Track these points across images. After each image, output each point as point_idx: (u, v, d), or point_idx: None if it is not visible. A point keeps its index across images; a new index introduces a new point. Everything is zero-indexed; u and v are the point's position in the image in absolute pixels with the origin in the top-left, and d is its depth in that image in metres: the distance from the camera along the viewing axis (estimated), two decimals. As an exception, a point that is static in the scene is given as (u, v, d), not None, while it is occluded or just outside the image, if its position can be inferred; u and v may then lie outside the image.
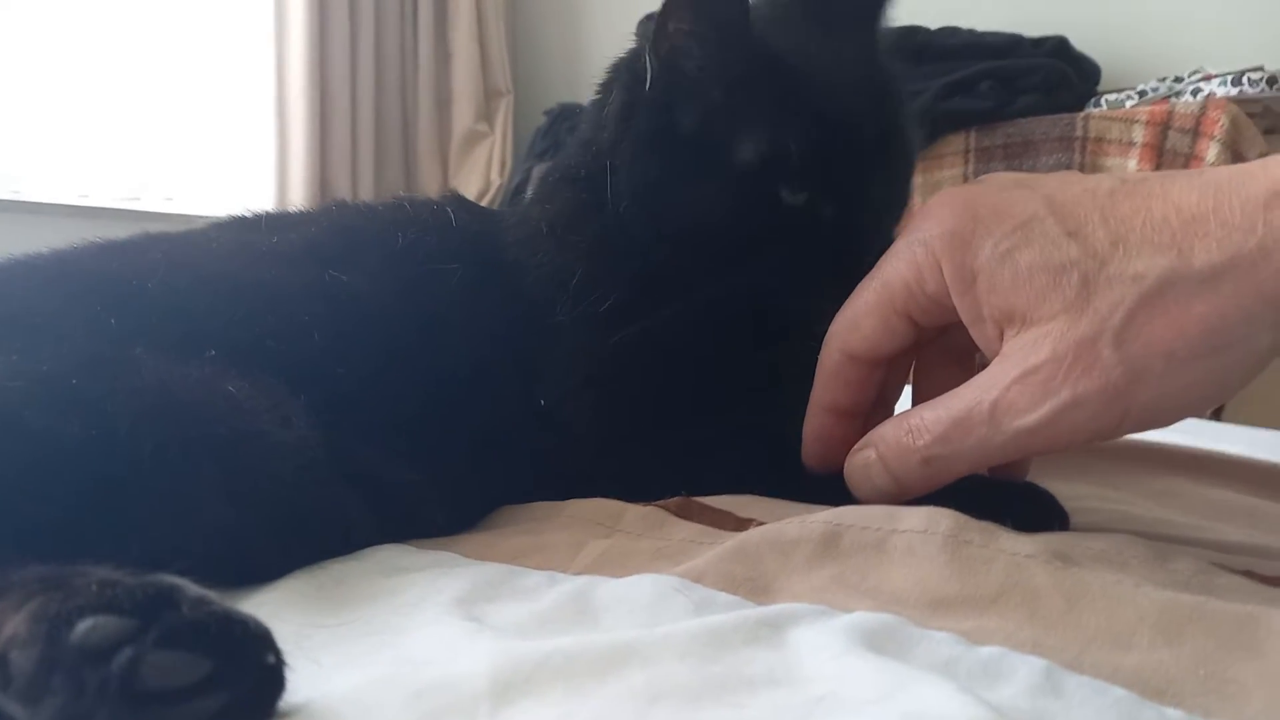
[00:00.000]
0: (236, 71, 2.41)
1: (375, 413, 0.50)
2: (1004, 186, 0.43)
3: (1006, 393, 0.40)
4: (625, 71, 0.57)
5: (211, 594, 0.29)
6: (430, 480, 0.50)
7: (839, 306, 0.49)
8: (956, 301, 0.43)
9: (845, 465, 0.47)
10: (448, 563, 0.45)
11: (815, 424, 0.51)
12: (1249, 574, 0.39)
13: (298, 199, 2.40)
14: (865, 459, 0.46)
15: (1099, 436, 0.40)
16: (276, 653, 0.28)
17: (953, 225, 0.42)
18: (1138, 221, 0.38)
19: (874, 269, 0.47)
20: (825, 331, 0.50)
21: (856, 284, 0.49)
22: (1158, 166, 1.71)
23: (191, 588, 0.29)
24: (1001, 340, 0.41)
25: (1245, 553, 0.43)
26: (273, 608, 0.39)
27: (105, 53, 2.20)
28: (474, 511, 0.53)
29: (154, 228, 0.62)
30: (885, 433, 0.45)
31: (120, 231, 0.57)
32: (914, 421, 0.44)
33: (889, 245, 0.50)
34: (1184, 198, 0.38)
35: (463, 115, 2.75)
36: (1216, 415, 1.58)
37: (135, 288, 0.50)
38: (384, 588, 0.42)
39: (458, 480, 0.52)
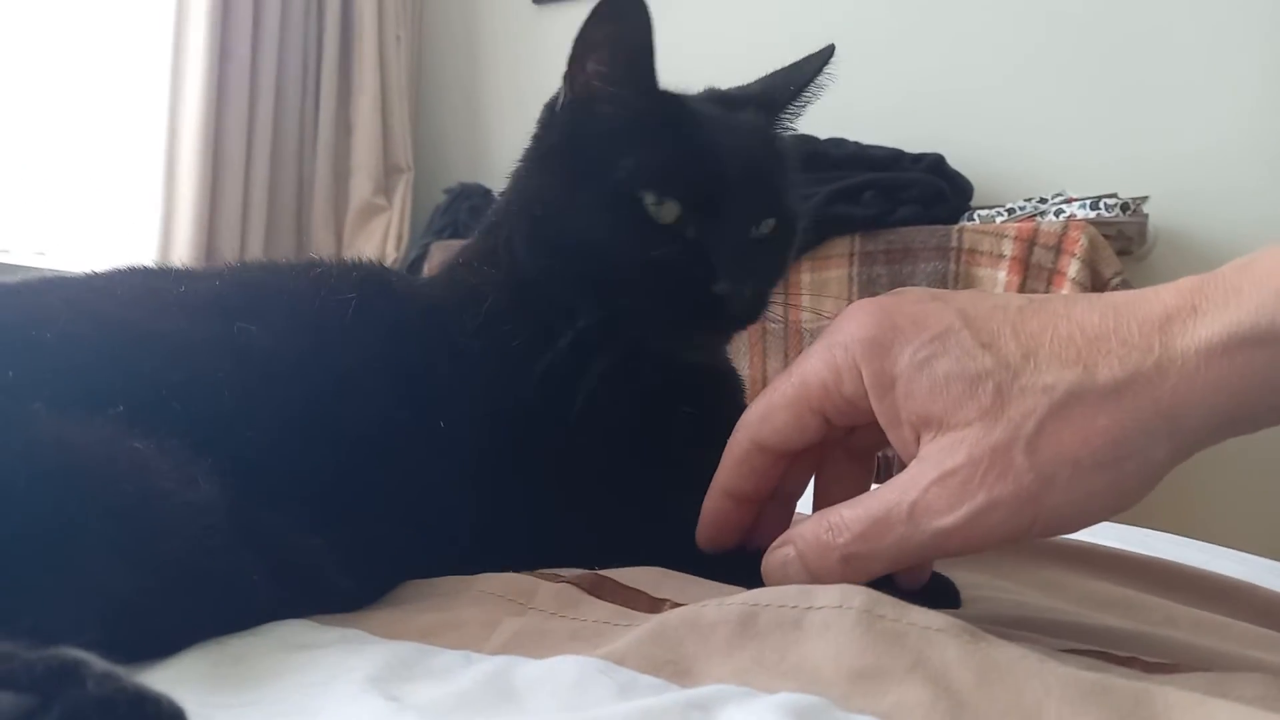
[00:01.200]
0: (125, 127, 2.33)
1: (282, 476, 0.49)
2: (919, 299, 0.46)
3: (925, 494, 0.42)
4: (544, 111, 0.63)
5: (119, 669, 0.27)
6: (336, 545, 0.48)
7: (701, 351, 0.60)
8: (875, 405, 0.45)
9: (764, 561, 0.48)
10: (355, 639, 0.43)
11: (712, 506, 0.52)
12: (1134, 660, 0.41)
13: (182, 260, 2.31)
14: (784, 556, 0.47)
15: (1010, 539, 0.42)
16: (190, 733, 0.26)
17: (873, 332, 0.44)
18: (1046, 337, 0.41)
19: (792, 367, 0.49)
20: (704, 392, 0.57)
21: (715, 323, 0.58)
22: (1024, 279, 1.84)
23: (98, 662, 0.27)
24: (918, 444, 0.43)
25: (1129, 641, 0.45)
26: (166, 686, 0.36)
27: (-19, 98, 2.10)
28: (382, 579, 0.52)
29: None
30: (804, 530, 0.46)
31: None
32: (834, 519, 0.45)
33: (755, 307, 0.59)
34: (1087, 318, 0.41)
35: (361, 188, 2.73)
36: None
37: (32, 337, 0.47)
38: (288, 665, 0.40)
39: (366, 545, 0.50)
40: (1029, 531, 0.42)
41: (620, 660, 0.39)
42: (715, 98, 0.65)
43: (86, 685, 0.25)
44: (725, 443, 0.52)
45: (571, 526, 0.55)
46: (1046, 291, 1.82)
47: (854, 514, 0.44)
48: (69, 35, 2.23)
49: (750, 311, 0.59)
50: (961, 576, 0.56)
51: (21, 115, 2.15)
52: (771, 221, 0.59)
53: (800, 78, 0.64)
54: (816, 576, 0.45)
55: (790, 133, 0.66)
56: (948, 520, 0.41)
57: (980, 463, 0.40)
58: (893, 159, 2.08)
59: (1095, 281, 1.80)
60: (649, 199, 0.56)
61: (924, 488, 0.42)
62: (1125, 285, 1.81)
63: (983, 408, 0.41)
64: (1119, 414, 0.39)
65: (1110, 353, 0.40)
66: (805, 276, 2.03)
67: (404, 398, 0.55)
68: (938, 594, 0.53)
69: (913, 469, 0.43)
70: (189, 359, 0.49)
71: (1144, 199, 1.95)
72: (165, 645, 0.40)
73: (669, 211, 0.56)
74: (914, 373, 0.43)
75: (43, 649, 0.27)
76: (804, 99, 0.64)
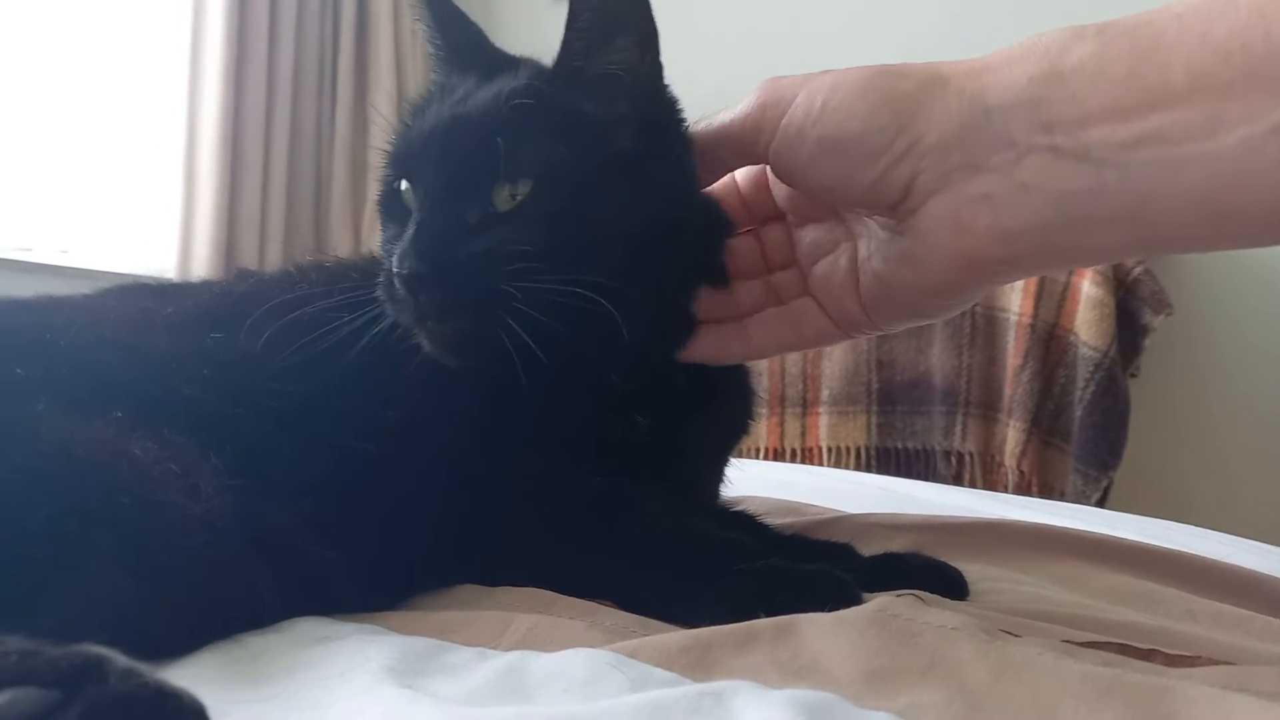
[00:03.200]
0: (145, 126, 2.35)
1: (288, 479, 0.49)
2: None
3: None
4: None
5: (141, 665, 0.27)
6: (345, 557, 0.48)
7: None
8: None
9: None
10: (371, 633, 0.44)
11: None
12: (1155, 653, 0.41)
13: (202, 258, 2.32)
14: None
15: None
16: (211, 730, 0.27)
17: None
18: None
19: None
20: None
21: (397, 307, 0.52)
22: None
23: (119, 658, 0.27)
24: None
25: (1149, 636, 0.45)
26: (186, 683, 0.37)
27: (2, 98, 2.12)
28: (390, 592, 0.51)
29: (46, 280, 0.60)
30: None
31: (8, 282, 0.55)
32: None
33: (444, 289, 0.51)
34: None
35: (378, 185, 2.73)
36: (1102, 504, 1.67)
37: (42, 341, 0.48)
38: (306, 659, 0.40)
39: (374, 557, 0.50)
40: None
41: (633, 653, 0.39)
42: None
43: (109, 681, 0.26)
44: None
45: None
46: (1069, 283, 1.81)
47: None
48: (88, 36, 2.25)
49: (429, 293, 0.51)
50: (975, 569, 0.56)
51: (42, 116, 2.18)
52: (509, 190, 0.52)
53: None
54: None
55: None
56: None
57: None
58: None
59: (1118, 271, 1.79)
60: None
61: None
62: (1148, 275, 1.79)
63: None
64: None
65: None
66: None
67: (389, 400, 0.54)
68: (945, 584, 0.53)
69: None
70: (194, 365, 0.50)
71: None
72: (169, 649, 0.40)
73: (407, 194, 0.55)
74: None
75: (65, 646, 0.27)
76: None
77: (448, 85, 0.58)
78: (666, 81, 0.58)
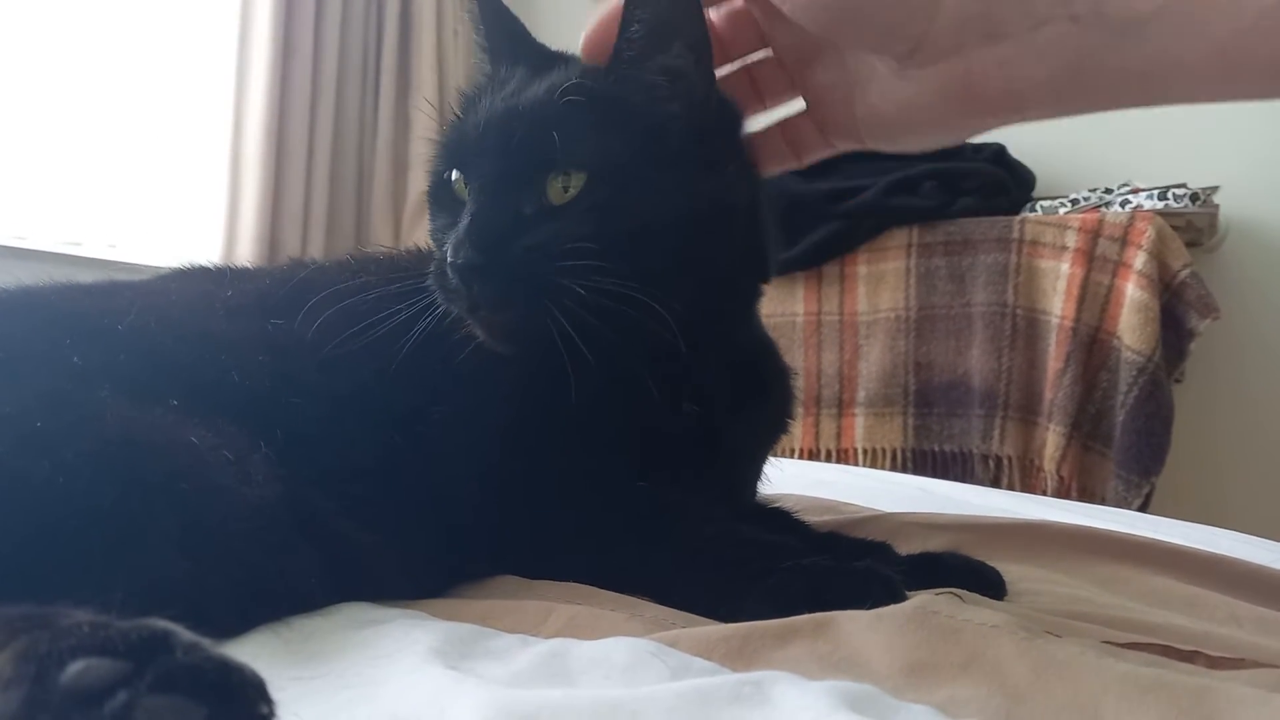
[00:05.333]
0: (191, 123, 2.39)
1: (338, 466, 0.50)
2: None
3: None
4: None
5: (204, 640, 0.28)
6: (391, 545, 0.49)
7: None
8: None
9: None
10: (416, 618, 0.45)
11: None
12: (1197, 655, 0.41)
13: (246, 254, 2.37)
14: None
15: None
16: (270, 703, 0.28)
17: None
18: None
19: None
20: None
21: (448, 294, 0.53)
22: (1089, 271, 1.80)
23: (185, 633, 0.28)
24: None
25: (1192, 638, 0.44)
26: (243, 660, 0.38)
27: (52, 94, 2.17)
28: (435, 581, 0.52)
29: (95, 274, 0.61)
30: None
31: (59, 276, 0.57)
32: None
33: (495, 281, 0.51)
34: None
35: (419, 180, 2.76)
36: (1143, 510, 1.64)
37: (104, 326, 0.49)
38: (355, 640, 0.41)
39: (420, 546, 0.51)
40: None
41: (673, 642, 0.39)
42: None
43: (176, 653, 0.27)
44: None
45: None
46: (1112, 285, 1.78)
47: None
48: (136, 34, 2.30)
49: (483, 284, 0.51)
50: (1014, 570, 0.56)
51: (92, 114, 2.23)
52: (562, 183, 0.52)
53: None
54: None
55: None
56: None
57: None
58: (953, 149, 2.05)
59: (1163, 274, 1.76)
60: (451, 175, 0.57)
61: None
62: (1195, 278, 1.76)
63: None
64: None
65: None
66: (862, 269, 2.01)
67: (440, 388, 0.55)
68: (984, 584, 0.53)
69: None
70: (250, 353, 0.51)
71: (1214, 189, 1.89)
72: (221, 630, 0.41)
73: (459, 184, 0.56)
74: None
75: (133, 620, 0.28)
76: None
77: (498, 78, 0.58)
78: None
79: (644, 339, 0.52)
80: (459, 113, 0.59)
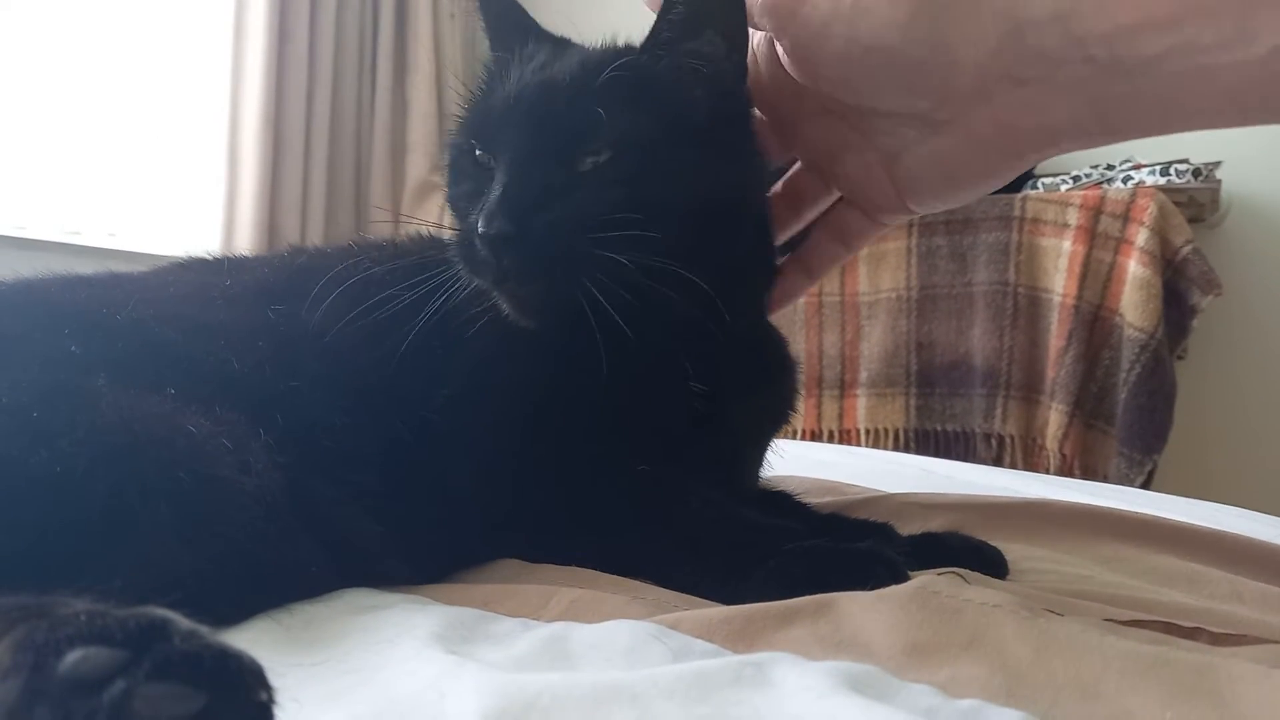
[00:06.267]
0: (188, 112, 2.39)
1: (338, 453, 0.50)
2: None
3: None
4: None
5: (202, 628, 0.28)
6: (392, 531, 0.49)
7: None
8: None
9: None
10: (417, 603, 0.45)
11: None
12: (1200, 631, 0.41)
13: (245, 241, 2.37)
14: None
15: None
16: (269, 690, 0.27)
17: None
18: None
19: None
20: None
21: (474, 266, 0.52)
22: (1090, 248, 1.79)
23: (182, 620, 0.28)
24: None
25: (1194, 615, 0.44)
26: (241, 648, 0.38)
27: (52, 85, 2.17)
28: (436, 566, 0.52)
29: (94, 263, 0.61)
30: None
31: (58, 265, 0.57)
32: None
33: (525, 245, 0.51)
34: None
35: (417, 166, 2.76)
36: (1146, 487, 1.65)
37: (102, 317, 0.49)
38: (355, 626, 0.41)
39: (420, 532, 0.51)
40: None
41: (675, 624, 0.39)
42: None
43: (174, 641, 0.27)
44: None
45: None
46: (1114, 262, 1.78)
47: None
48: (133, 24, 2.29)
49: (514, 254, 0.51)
50: (1016, 549, 0.56)
51: (91, 104, 2.22)
52: (594, 158, 0.53)
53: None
54: None
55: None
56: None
57: None
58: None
59: (1165, 250, 1.75)
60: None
61: None
62: (1197, 255, 1.75)
63: None
64: None
65: None
66: (863, 249, 2.00)
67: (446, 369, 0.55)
68: (985, 563, 0.53)
69: None
70: (248, 340, 0.51)
71: (1217, 164, 1.88)
72: (220, 619, 0.41)
73: (483, 157, 0.56)
74: None
75: (131, 608, 0.28)
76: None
77: (523, 53, 0.58)
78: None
79: (672, 316, 0.53)
80: (481, 88, 0.59)
